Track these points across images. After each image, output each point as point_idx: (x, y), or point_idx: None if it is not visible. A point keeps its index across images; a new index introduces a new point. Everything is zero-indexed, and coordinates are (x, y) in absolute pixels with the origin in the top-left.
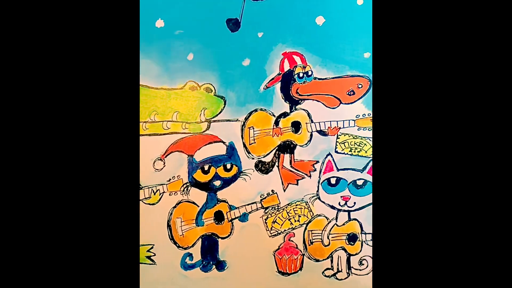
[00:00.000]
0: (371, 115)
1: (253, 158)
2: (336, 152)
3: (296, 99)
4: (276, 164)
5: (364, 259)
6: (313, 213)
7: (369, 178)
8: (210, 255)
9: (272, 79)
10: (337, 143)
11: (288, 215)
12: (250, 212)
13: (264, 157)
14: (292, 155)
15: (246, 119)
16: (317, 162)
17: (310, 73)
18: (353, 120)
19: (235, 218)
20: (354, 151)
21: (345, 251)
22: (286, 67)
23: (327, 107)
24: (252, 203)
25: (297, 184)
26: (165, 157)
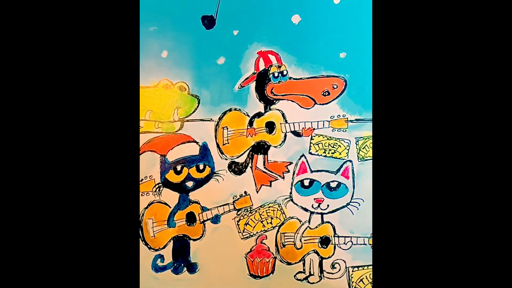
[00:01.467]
0: (346, 116)
1: (226, 159)
2: (310, 153)
3: (271, 99)
4: (250, 165)
5: (337, 263)
6: (285, 215)
7: (343, 180)
8: (181, 257)
9: (247, 78)
10: (311, 144)
11: (261, 217)
12: (222, 214)
13: (237, 157)
14: (266, 156)
15: (220, 119)
16: (291, 163)
17: (285, 72)
18: (327, 121)
19: (207, 219)
20: (328, 153)
21: (318, 254)
22: (261, 66)
23: (301, 107)
24: (225, 204)
25: (270, 185)
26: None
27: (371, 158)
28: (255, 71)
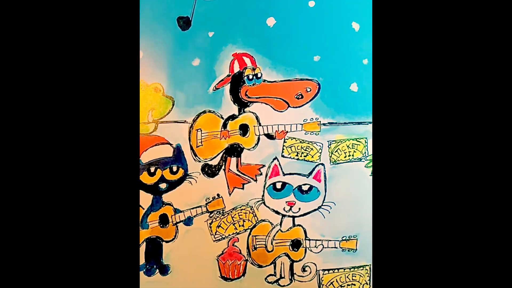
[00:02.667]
0: (319, 119)
1: (199, 161)
2: (283, 156)
3: (245, 101)
4: (223, 167)
5: (307, 266)
6: (257, 218)
7: (315, 183)
8: (154, 259)
9: (222, 80)
10: (284, 147)
11: (233, 220)
12: (195, 216)
13: (211, 160)
14: (239, 158)
15: (194, 120)
16: (263, 166)
17: (259, 75)
18: (300, 124)
19: (180, 221)
20: (301, 156)
21: (289, 257)
22: (236, 68)
23: (275, 110)
24: (197, 206)
25: (242, 188)
26: None
27: (344, 161)
28: (230, 73)
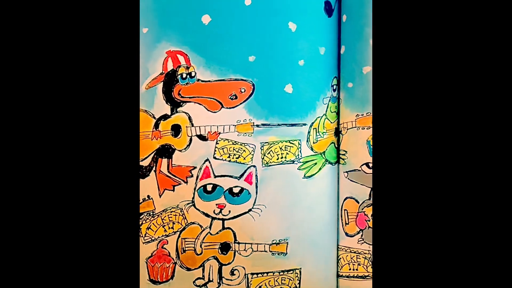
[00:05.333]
0: (252, 120)
1: None
2: (215, 158)
3: (178, 101)
4: (154, 168)
5: (236, 269)
6: (187, 221)
7: (246, 185)
8: None
9: (154, 78)
10: (216, 149)
11: (163, 222)
12: None
13: (142, 161)
14: (170, 160)
15: None
16: (195, 168)
17: (193, 74)
18: (233, 125)
19: None
20: (233, 158)
21: (217, 260)
22: (170, 66)
23: (208, 110)
24: None
25: (173, 190)
26: None
27: (276, 163)
28: (163, 72)
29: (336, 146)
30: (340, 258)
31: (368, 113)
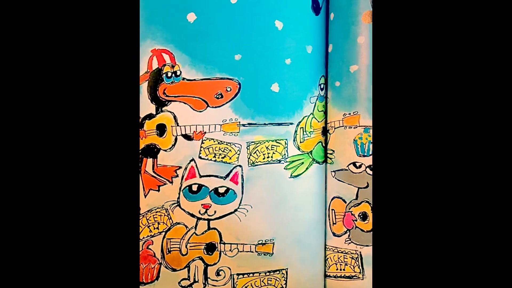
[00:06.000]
0: (238, 120)
1: None
2: (200, 157)
3: (163, 100)
4: (139, 168)
5: (222, 270)
6: (172, 221)
7: (232, 185)
8: None
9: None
10: (202, 149)
11: (148, 222)
12: None
13: None
14: (155, 159)
15: None
16: (180, 167)
17: (178, 73)
18: (219, 124)
19: None
20: (218, 157)
21: (203, 261)
22: (155, 65)
23: (194, 110)
24: None
25: (158, 190)
26: None
27: (262, 163)
28: (148, 70)
29: (324, 145)
30: (328, 258)
31: (355, 112)
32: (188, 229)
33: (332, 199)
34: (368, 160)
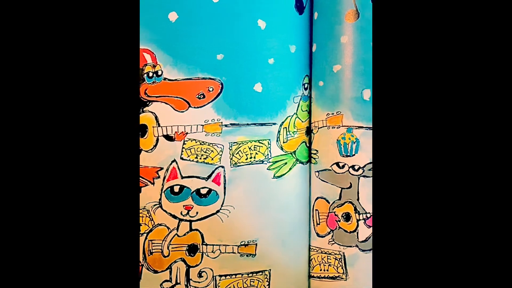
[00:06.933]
0: (220, 120)
1: None
2: (182, 158)
3: (144, 100)
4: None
5: (204, 271)
6: (154, 222)
7: (214, 186)
8: None
9: None
10: (183, 149)
11: None
12: None
13: None
14: None
15: None
16: (161, 168)
17: (160, 73)
18: (201, 125)
19: None
20: (200, 158)
21: (185, 262)
22: None
23: (175, 110)
24: None
25: (140, 191)
26: None
27: (245, 163)
28: None
29: (308, 145)
30: (312, 259)
31: (338, 112)
32: (170, 230)
33: (316, 200)
34: (351, 160)
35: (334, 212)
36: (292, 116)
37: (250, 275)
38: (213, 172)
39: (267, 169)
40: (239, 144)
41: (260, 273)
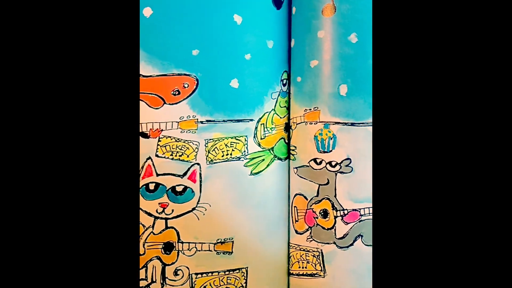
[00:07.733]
0: (196, 117)
1: None
2: (157, 156)
3: None
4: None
5: (180, 269)
6: None
7: (189, 184)
8: None
9: None
10: (158, 147)
11: None
12: None
13: None
14: None
15: None
16: None
17: None
18: (176, 122)
19: None
20: (176, 155)
21: (161, 260)
22: None
23: (150, 107)
24: None
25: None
26: None
27: (221, 160)
28: None
29: (286, 141)
30: (291, 256)
31: (315, 107)
32: (145, 228)
33: (294, 196)
34: (329, 157)
35: (312, 209)
36: (270, 112)
37: (227, 273)
38: (188, 169)
39: (244, 165)
40: (215, 141)
41: (237, 270)
